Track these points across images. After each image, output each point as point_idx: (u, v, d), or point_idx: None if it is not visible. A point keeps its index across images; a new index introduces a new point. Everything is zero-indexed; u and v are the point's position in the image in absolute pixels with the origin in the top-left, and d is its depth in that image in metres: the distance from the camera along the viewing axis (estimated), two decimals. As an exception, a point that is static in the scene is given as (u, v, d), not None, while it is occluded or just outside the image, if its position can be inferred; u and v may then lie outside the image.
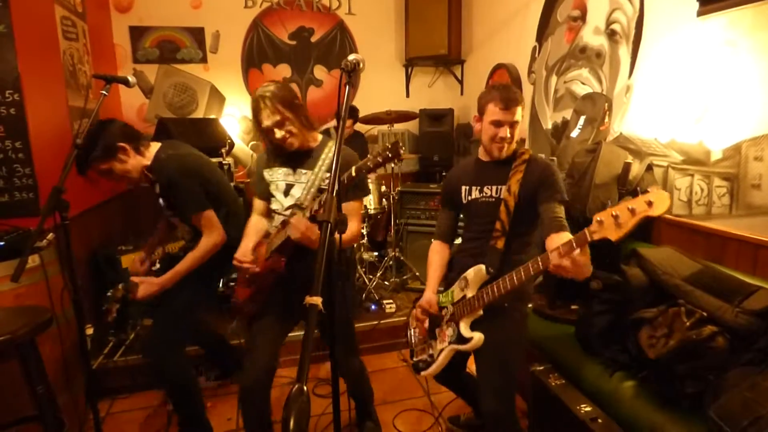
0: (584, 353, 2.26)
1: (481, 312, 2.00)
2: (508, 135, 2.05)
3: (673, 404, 1.82)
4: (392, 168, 4.17)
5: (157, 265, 2.67)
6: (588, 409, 1.93)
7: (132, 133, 2.27)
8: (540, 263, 1.70)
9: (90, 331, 3.06)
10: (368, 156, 1.62)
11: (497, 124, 2.04)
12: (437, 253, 2.31)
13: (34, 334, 2.05)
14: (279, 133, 2.05)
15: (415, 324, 2.31)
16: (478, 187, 2.16)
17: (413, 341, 2.32)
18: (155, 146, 2.33)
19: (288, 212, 2.09)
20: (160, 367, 2.33)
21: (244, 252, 2.15)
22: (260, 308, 2.21)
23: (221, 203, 2.40)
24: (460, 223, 2.35)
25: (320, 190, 2.11)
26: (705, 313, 1.86)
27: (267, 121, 2.03)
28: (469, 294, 2.02)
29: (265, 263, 2.13)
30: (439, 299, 2.17)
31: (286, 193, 2.19)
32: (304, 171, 2.16)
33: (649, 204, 1.40)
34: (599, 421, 1.86)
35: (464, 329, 2.01)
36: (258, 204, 2.34)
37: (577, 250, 1.57)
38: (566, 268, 1.60)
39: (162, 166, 2.26)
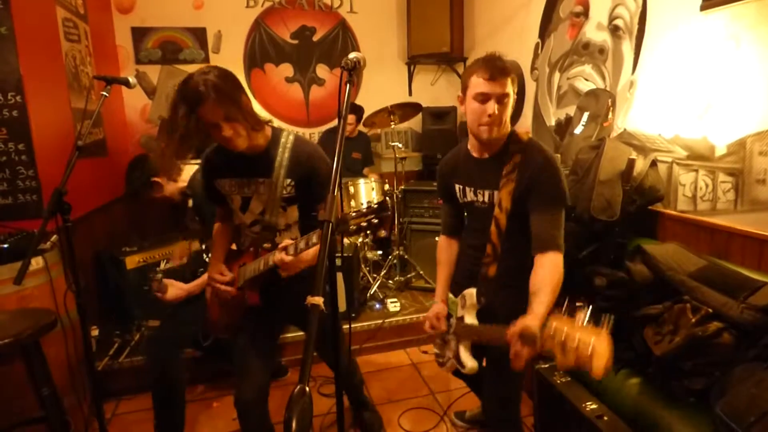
0: (589, 350, 2.25)
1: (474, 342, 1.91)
2: (496, 111, 1.72)
3: (679, 401, 1.81)
4: (395, 166, 4.16)
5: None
6: (593, 406, 1.92)
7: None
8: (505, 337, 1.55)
9: (95, 332, 3.08)
10: (351, 213, 1.36)
11: (483, 98, 1.73)
12: (445, 251, 2.16)
13: (39, 336, 2.06)
14: (227, 131, 1.71)
15: None
16: (472, 189, 1.93)
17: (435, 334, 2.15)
18: (190, 168, 2.50)
19: (255, 230, 1.97)
20: (162, 364, 2.37)
21: (219, 270, 2.06)
22: (237, 324, 2.11)
23: None
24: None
25: (285, 200, 1.92)
26: (710, 310, 1.85)
27: (210, 116, 1.68)
28: (467, 318, 1.89)
29: (238, 293, 2.04)
30: (449, 304, 2.05)
31: (244, 208, 1.98)
32: (261, 180, 1.90)
33: (590, 355, 1.26)
34: (605, 418, 1.85)
35: (462, 352, 1.92)
36: (219, 210, 2.15)
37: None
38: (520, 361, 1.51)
39: (197, 183, 2.39)
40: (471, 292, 1.88)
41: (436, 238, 2.28)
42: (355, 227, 1.35)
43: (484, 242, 1.87)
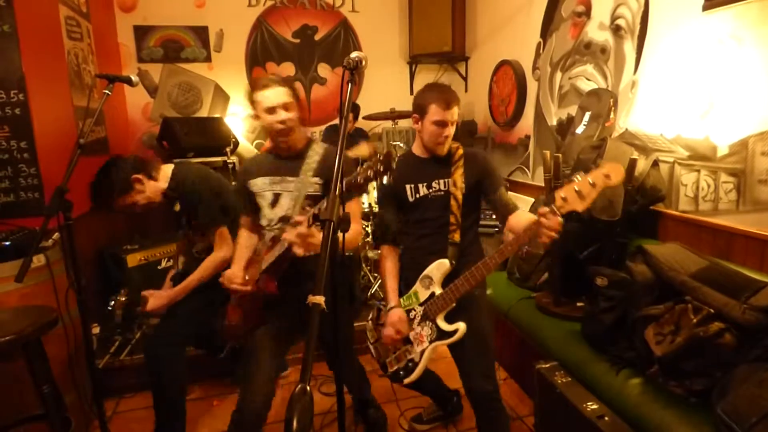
0: (590, 351, 2.25)
1: (454, 304, 2.06)
2: (451, 133, 2.11)
3: (680, 401, 1.82)
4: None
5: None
6: (595, 406, 1.92)
7: (141, 163, 2.37)
8: (516, 243, 1.86)
9: (96, 330, 3.08)
10: (359, 169, 1.42)
11: (441, 123, 2.07)
12: (391, 260, 2.29)
13: (40, 334, 2.06)
14: (283, 115, 1.95)
15: (375, 337, 2.32)
16: (425, 183, 2.18)
17: (379, 354, 2.30)
18: (168, 168, 2.45)
19: (278, 227, 2.03)
20: (158, 365, 2.36)
21: (233, 273, 2.07)
22: (252, 330, 2.12)
23: (234, 216, 2.47)
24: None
25: (309, 198, 2.03)
26: (712, 310, 1.85)
27: (276, 99, 1.93)
28: (437, 290, 2.09)
29: (255, 285, 2.05)
30: (402, 303, 2.19)
31: (274, 203, 2.09)
32: (290, 178, 2.06)
33: (607, 177, 1.60)
34: (606, 418, 1.85)
35: (443, 324, 2.07)
36: (244, 220, 2.26)
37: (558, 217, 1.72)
38: (552, 229, 1.71)
39: (181, 184, 2.39)
40: (440, 262, 2.11)
41: (381, 245, 2.36)
42: (362, 179, 1.39)
43: (440, 223, 2.17)
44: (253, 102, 2.01)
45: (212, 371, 3.14)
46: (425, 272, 2.14)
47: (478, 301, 2.16)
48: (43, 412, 2.15)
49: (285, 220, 2.02)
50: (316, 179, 2.05)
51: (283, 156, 2.11)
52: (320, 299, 1.04)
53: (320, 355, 2.64)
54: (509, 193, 2.30)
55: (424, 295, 2.13)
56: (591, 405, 1.93)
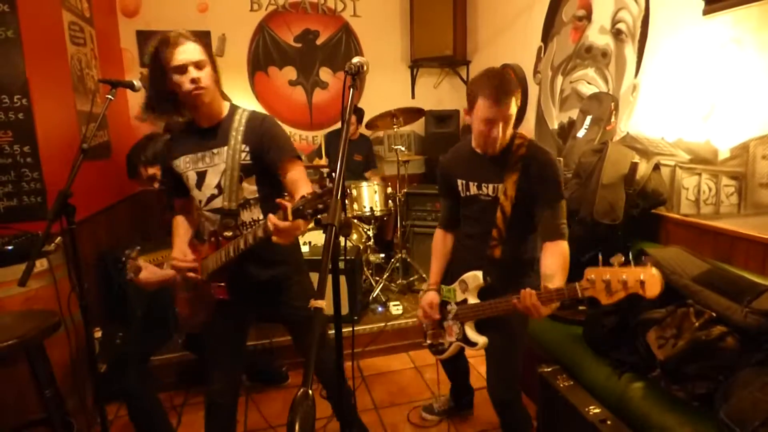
0: (592, 354, 2.25)
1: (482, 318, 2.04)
2: (501, 133, 1.84)
3: (682, 405, 1.81)
4: (398, 169, 4.17)
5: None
6: (597, 410, 1.92)
7: None
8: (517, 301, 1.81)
9: (98, 334, 3.08)
10: (305, 196, 1.38)
11: (489, 122, 1.83)
12: (440, 243, 2.30)
13: (43, 338, 2.07)
14: (195, 73, 1.71)
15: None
16: (476, 183, 2.04)
17: (426, 326, 2.33)
18: None
19: (210, 214, 1.89)
20: (119, 378, 2.38)
21: (182, 251, 1.93)
22: (209, 317, 1.99)
23: None
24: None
25: (243, 169, 1.81)
26: (714, 314, 1.85)
27: (184, 56, 1.69)
28: (470, 299, 2.05)
29: (205, 286, 1.94)
30: (443, 292, 2.18)
31: (199, 184, 1.86)
32: (215, 150, 1.82)
33: (641, 284, 1.48)
34: (608, 422, 1.85)
35: (470, 332, 2.07)
36: (177, 203, 2.07)
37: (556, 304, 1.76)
38: (533, 313, 1.76)
39: None
40: (475, 274, 2.03)
41: (437, 227, 2.39)
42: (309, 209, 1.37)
43: (484, 230, 2.02)
44: (154, 63, 1.75)
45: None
46: (463, 277, 2.07)
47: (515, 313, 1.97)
48: (45, 416, 2.15)
49: (221, 212, 1.83)
50: (245, 146, 1.81)
51: (204, 127, 1.86)
52: (322, 303, 1.04)
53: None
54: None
55: (459, 296, 2.10)
56: (593, 409, 1.93)
